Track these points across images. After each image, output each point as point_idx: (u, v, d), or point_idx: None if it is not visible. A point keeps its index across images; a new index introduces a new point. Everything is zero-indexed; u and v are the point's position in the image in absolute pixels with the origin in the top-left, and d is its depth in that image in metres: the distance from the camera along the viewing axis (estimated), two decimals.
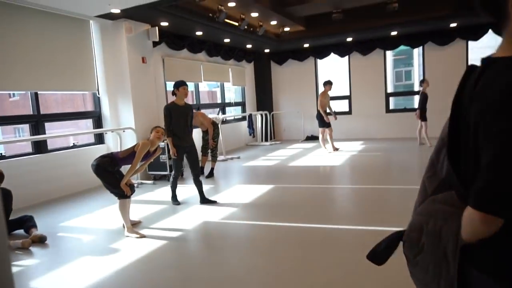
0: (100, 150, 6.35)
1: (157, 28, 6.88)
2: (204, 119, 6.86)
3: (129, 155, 3.87)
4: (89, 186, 6.09)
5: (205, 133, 6.92)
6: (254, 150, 9.99)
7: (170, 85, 7.81)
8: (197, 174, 4.84)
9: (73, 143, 6.30)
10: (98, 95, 6.64)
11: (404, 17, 8.69)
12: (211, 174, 6.69)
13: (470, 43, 9.74)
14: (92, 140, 6.67)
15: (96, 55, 6.57)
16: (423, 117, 8.54)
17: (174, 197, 4.96)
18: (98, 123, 6.72)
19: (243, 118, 11.00)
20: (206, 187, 5.85)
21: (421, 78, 10.42)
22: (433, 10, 8.52)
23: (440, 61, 10.02)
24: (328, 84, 8.69)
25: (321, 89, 11.60)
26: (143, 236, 3.74)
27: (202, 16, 6.91)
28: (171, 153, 4.71)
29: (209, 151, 6.88)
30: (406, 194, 4.90)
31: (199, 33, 8.08)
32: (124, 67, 6.48)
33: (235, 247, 3.41)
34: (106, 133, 6.61)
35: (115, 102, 6.63)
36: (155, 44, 7.30)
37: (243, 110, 11.23)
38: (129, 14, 6.18)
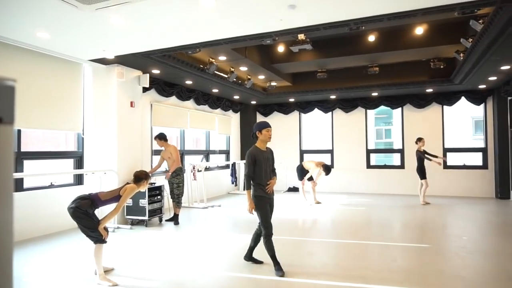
0: (78, 192, 6.20)
1: (148, 75, 7.08)
2: (174, 152, 6.60)
3: (112, 198, 3.79)
4: (64, 228, 5.86)
5: (172, 176, 6.61)
6: (236, 198, 9.91)
7: (156, 130, 7.89)
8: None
9: (51, 183, 6.15)
10: (82, 135, 6.62)
11: (384, 80, 9.26)
12: (177, 221, 6.51)
13: (445, 107, 10.32)
14: (71, 180, 6.54)
15: (86, 97, 6.65)
16: (421, 174, 8.62)
17: (276, 263, 3.92)
18: (79, 163, 6.63)
19: (227, 166, 11.03)
20: (179, 233, 5.71)
21: (401, 136, 10.85)
22: (411, 76, 9.13)
23: (418, 122, 10.52)
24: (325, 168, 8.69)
25: (304, 142, 11.93)
26: (115, 285, 3.56)
27: (193, 67, 7.19)
28: (248, 208, 3.99)
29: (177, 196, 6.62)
30: (386, 251, 4.89)
31: (188, 82, 8.34)
32: (112, 109, 6.56)
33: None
34: (86, 174, 6.50)
35: (99, 143, 6.61)
36: (145, 89, 7.47)
37: (227, 159, 11.30)
38: (122, 60, 6.38)
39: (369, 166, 11.06)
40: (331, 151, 11.45)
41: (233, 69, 8.03)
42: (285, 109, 11.80)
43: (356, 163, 11.09)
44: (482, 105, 9.99)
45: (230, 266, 4.23)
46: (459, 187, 9.88)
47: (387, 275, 3.89)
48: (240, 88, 9.20)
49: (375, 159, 11.44)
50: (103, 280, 3.61)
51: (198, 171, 8.59)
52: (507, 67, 7.08)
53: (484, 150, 10.07)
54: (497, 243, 5.47)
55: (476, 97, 9.80)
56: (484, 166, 10.00)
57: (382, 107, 11.59)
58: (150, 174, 6.36)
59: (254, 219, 7.27)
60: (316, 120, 12.25)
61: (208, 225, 6.72)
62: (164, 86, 8.12)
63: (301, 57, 8.29)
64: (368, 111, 11.31)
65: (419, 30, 6.95)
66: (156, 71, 7.23)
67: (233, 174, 10.61)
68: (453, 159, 10.34)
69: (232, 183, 10.69)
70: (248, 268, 4.17)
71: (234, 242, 5.28)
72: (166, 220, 6.68)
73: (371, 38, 7.41)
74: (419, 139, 8.72)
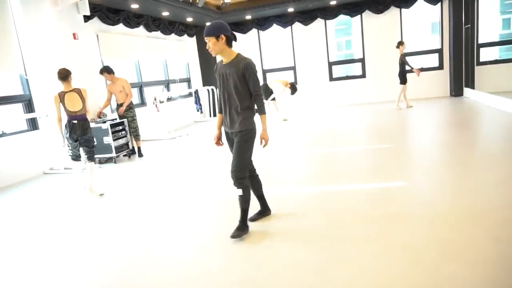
0: (34, 138, 5.89)
1: (86, 0, 6.35)
2: (127, 85, 6.18)
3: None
4: (25, 178, 5.64)
5: (125, 110, 6.27)
6: (203, 126, 9.84)
7: (107, 63, 7.35)
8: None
9: (2, 131, 5.74)
10: (26, 76, 6.06)
11: None
12: (140, 153, 6.45)
13: (403, 10, 10.19)
14: (25, 127, 6.13)
15: (20, 33, 5.93)
16: (404, 80, 8.55)
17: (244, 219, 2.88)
18: (29, 107, 6.16)
19: (190, 95, 10.73)
20: (148, 167, 5.69)
21: (361, 45, 10.79)
22: None
23: (377, 29, 10.41)
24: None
25: (266, 61, 11.65)
26: (102, 194, 4.32)
27: None
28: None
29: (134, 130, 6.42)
30: (354, 155, 5.13)
31: (134, 6, 7.60)
32: (53, 44, 5.94)
33: (216, 214, 3.38)
34: (39, 118, 6.09)
35: (46, 83, 6.09)
36: (87, 18, 6.77)
37: (189, 86, 10.94)
38: None
39: (332, 78, 11.11)
40: (293, 68, 11.31)
41: None
42: (243, 28, 11.24)
43: (319, 77, 11.09)
44: (438, 5, 9.94)
45: (214, 185, 4.31)
46: (417, 89, 10.20)
47: (355, 176, 4.12)
48: (192, 8, 8.54)
49: (337, 71, 11.46)
50: (93, 193, 4.28)
51: (160, 102, 8.30)
52: None
53: (440, 51, 10.28)
54: (450, 135, 5.87)
55: None
56: (440, 67, 10.31)
57: (342, 17, 11.29)
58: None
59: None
60: (275, 37, 11.84)
61: (179, 154, 6.70)
62: (108, 13, 7.38)
63: None
64: (328, 22, 10.99)
65: None
66: None
67: (197, 101, 10.38)
68: (411, 62, 10.51)
69: (198, 110, 10.50)
70: (229, 185, 4.26)
71: (209, 166, 5.34)
72: (125, 155, 6.49)
73: None
74: (400, 43, 8.53)
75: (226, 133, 2.92)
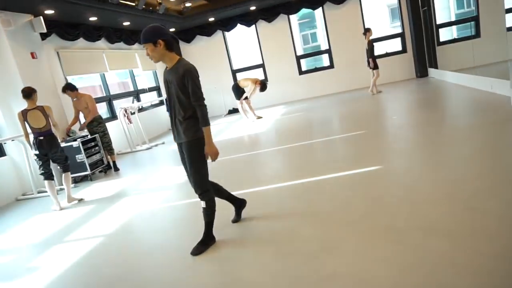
0: (2, 164, 5.65)
1: (41, 17, 6.13)
2: (90, 102, 6.02)
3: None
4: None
5: (91, 123, 6.09)
6: None
7: (71, 80, 7.15)
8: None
9: None
10: None
11: None
12: (116, 167, 6.34)
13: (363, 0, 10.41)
14: None
15: None
16: (375, 65, 8.66)
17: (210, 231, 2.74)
18: None
19: (161, 103, 10.58)
20: (129, 180, 5.57)
21: (326, 36, 10.95)
22: None
23: (339, 19, 10.58)
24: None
25: (234, 61, 11.63)
26: (82, 199, 4.76)
27: None
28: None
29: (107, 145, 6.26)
30: (329, 144, 5.20)
31: (93, 18, 7.41)
32: (10, 65, 5.71)
33: (176, 228, 3.33)
34: (5, 143, 5.85)
35: (9, 107, 5.85)
36: (44, 36, 6.54)
37: (159, 95, 10.79)
38: (3, 4, 5.41)
39: (301, 72, 11.22)
40: (262, 65, 11.34)
41: None
42: (207, 30, 11.18)
43: (288, 71, 11.17)
44: None
45: (185, 195, 4.26)
46: (384, 74, 10.42)
47: (333, 165, 4.17)
48: (153, 16, 8.41)
49: (305, 64, 11.58)
50: (71, 201, 4.62)
51: (132, 113, 8.14)
52: None
53: (401, 35, 10.57)
54: (419, 115, 6.06)
55: None
56: (403, 50, 10.60)
57: (304, 11, 11.42)
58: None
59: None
60: (241, 36, 11.84)
61: (156, 162, 6.59)
62: (66, 29, 7.16)
63: None
64: (291, 17, 11.09)
65: None
66: (50, 11, 6.27)
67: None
68: (375, 49, 10.76)
69: None
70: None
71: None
72: (101, 171, 6.32)
73: None
74: (367, 30, 8.65)
75: (177, 145, 2.70)
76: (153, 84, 10.82)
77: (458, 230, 2.25)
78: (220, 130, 8.59)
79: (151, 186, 4.95)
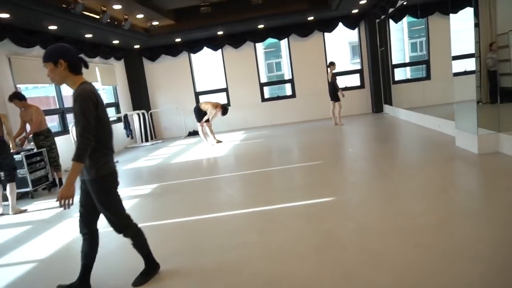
0: None
1: None
2: (36, 114, 5.60)
3: None
4: None
5: (38, 136, 5.72)
6: (135, 152, 9.41)
7: (23, 89, 6.74)
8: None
9: None
10: None
11: (268, 11, 9.24)
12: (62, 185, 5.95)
13: (326, 34, 10.89)
14: None
15: None
16: (337, 97, 8.97)
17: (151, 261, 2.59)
18: None
19: (119, 120, 10.23)
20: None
21: (290, 68, 11.26)
22: (293, 4, 9.26)
23: (304, 51, 10.97)
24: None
25: (198, 83, 11.60)
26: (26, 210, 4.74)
27: (53, 7, 6.09)
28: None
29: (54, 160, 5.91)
30: (286, 173, 5.22)
31: (53, 27, 7.13)
32: None
33: (119, 255, 3.12)
34: None
35: None
36: None
37: (117, 111, 10.45)
38: None
39: (263, 99, 11.39)
40: (225, 89, 11.40)
41: (104, 8, 7.07)
42: (173, 50, 11.12)
43: (251, 98, 11.30)
44: (356, 30, 10.80)
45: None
46: (342, 107, 10.83)
47: (288, 194, 4.17)
48: (117, 31, 8.25)
49: (268, 92, 11.79)
50: (17, 211, 4.66)
51: None
52: None
53: (360, 71, 11.12)
54: (374, 148, 6.29)
55: (351, 22, 10.51)
56: (362, 86, 11.12)
57: (270, 40, 11.73)
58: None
59: (156, 169, 7.05)
60: (207, 59, 11.89)
61: None
62: (21, 35, 6.80)
63: None
64: (257, 45, 11.35)
65: None
66: (5, 15, 5.95)
67: (127, 126, 9.92)
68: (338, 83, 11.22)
69: (128, 136, 10.03)
70: (152, 216, 4.03)
71: (137, 193, 5.05)
72: (44, 188, 5.92)
73: None
74: (331, 64, 8.98)
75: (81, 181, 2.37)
76: (112, 100, 10.48)
77: (403, 266, 2.27)
78: (178, 152, 8.40)
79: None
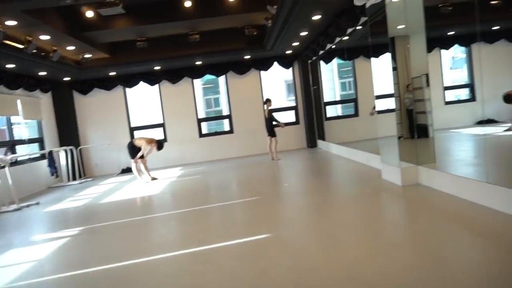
0: None
1: None
2: None
3: None
4: None
5: None
6: (60, 191, 8.64)
7: None
8: None
9: None
10: None
11: (206, 48, 9.42)
12: None
13: (262, 72, 11.32)
14: None
15: None
16: (272, 133, 9.15)
17: None
18: None
19: (42, 157, 9.41)
20: None
21: (228, 104, 11.42)
22: (230, 43, 9.54)
23: (241, 88, 11.25)
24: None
25: (133, 118, 11.22)
26: None
27: None
28: None
29: None
30: (223, 210, 5.11)
31: None
32: None
33: None
34: None
35: None
36: None
37: (41, 147, 9.63)
38: None
39: (201, 135, 11.32)
40: (162, 125, 11.16)
41: (30, 38, 6.65)
42: (107, 84, 10.72)
43: (188, 133, 11.17)
44: (290, 69, 11.39)
45: (54, 268, 3.62)
46: (279, 142, 11.15)
47: (224, 232, 4.05)
48: (45, 62, 7.77)
49: (206, 127, 11.77)
50: None
51: (1, 167, 7.00)
52: (305, 33, 8.15)
53: (295, 108, 11.62)
54: (309, 183, 6.46)
55: (286, 62, 11.08)
56: (297, 122, 11.59)
57: (208, 77, 11.88)
58: None
59: (82, 210, 6.51)
60: (143, 94, 11.63)
61: (22, 228, 5.61)
62: None
63: (117, 24, 7.55)
64: (195, 81, 11.40)
65: None
66: None
67: (52, 164, 9.14)
68: (278, 117, 11.57)
69: (52, 174, 9.22)
70: (74, 264, 3.65)
71: (57, 240, 4.56)
72: None
73: (188, 3, 7.29)
74: (268, 100, 9.24)
75: None
76: (36, 135, 9.67)
77: None
78: (110, 191, 7.88)
79: (7, 257, 4.12)
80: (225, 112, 11.69)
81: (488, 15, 7.54)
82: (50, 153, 9.21)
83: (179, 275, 3.03)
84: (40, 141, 9.70)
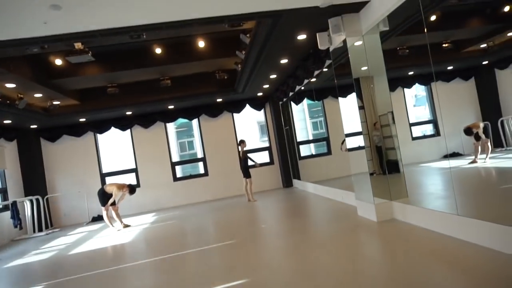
0: None
1: None
2: None
3: None
4: None
5: None
6: (24, 244, 8.10)
7: None
8: None
9: None
10: None
11: (178, 93, 9.52)
12: None
13: (235, 114, 11.48)
14: None
15: None
16: (247, 174, 9.07)
17: None
18: None
19: (5, 208, 8.89)
20: None
21: (201, 145, 11.40)
22: (201, 87, 9.70)
23: (214, 130, 11.31)
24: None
25: (105, 164, 10.93)
26: None
27: None
28: None
29: None
30: (198, 256, 4.91)
31: None
32: None
33: None
34: None
35: None
36: None
37: (4, 198, 9.12)
38: None
39: (175, 179, 11.12)
40: (135, 170, 10.92)
41: None
42: (77, 130, 10.51)
43: (162, 178, 10.96)
44: (262, 110, 11.63)
45: None
46: (254, 183, 11.10)
47: (199, 280, 3.88)
48: (10, 110, 7.56)
49: (181, 171, 11.61)
50: None
51: None
52: (274, 76, 8.45)
53: (269, 149, 11.73)
54: (286, 223, 6.39)
55: (257, 104, 11.33)
56: (271, 162, 11.65)
57: (181, 120, 11.91)
58: None
59: (47, 263, 6.09)
60: (115, 139, 11.43)
61: None
62: None
63: (87, 71, 7.54)
64: (168, 124, 11.38)
65: (201, 43, 7.44)
66: None
67: (15, 215, 8.63)
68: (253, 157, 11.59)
69: (15, 226, 8.68)
70: None
71: None
72: None
73: (158, 50, 7.44)
74: (242, 141, 9.26)
75: None
76: None
77: None
78: (79, 241, 7.47)
79: None
80: (200, 155, 11.62)
81: (441, 56, 8.17)
82: (14, 203, 8.72)
83: None
84: (2, 191, 9.21)
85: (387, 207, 5.05)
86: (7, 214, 8.71)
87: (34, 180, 10.08)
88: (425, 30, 4.09)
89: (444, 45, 7.79)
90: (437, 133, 10.18)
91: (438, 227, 4.06)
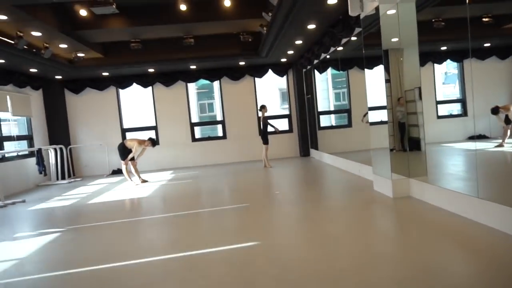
0: None
1: None
2: None
3: None
4: None
5: None
6: (47, 190, 8.49)
7: None
8: None
9: None
10: None
11: (200, 53, 9.39)
12: None
13: (257, 79, 11.32)
14: None
15: None
16: (265, 140, 9.08)
17: None
18: None
19: (31, 154, 9.26)
20: None
21: (221, 108, 11.38)
22: (225, 49, 9.53)
23: (235, 93, 11.23)
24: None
25: (126, 119, 11.11)
26: None
27: None
28: None
29: None
30: (213, 216, 5.04)
31: None
32: None
33: None
34: None
35: None
36: None
37: (30, 145, 9.47)
38: None
39: (194, 139, 11.24)
40: (155, 127, 11.07)
41: (21, 34, 6.56)
42: (100, 84, 10.64)
43: (181, 137, 11.10)
44: (285, 77, 11.42)
45: (36, 268, 3.52)
46: (272, 150, 11.10)
47: (212, 238, 3.99)
48: (36, 59, 7.67)
49: (200, 132, 11.71)
50: None
51: None
52: (300, 41, 8.18)
53: (289, 117, 11.62)
54: (300, 191, 6.42)
55: (280, 70, 11.11)
56: (290, 130, 11.58)
57: (202, 81, 11.85)
58: None
59: (68, 210, 6.37)
60: (136, 96, 11.54)
61: (7, 226, 5.47)
62: None
63: (111, 24, 7.49)
64: (189, 85, 11.36)
65: (227, 2, 7.21)
66: None
67: (40, 162, 8.99)
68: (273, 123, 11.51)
69: (40, 173, 9.07)
70: (57, 265, 3.55)
71: (39, 240, 4.45)
72: None
73: (183, 7, 7.26)
74: (263, 107, 9.17)
75: None
76: (24, 133, 9.53)
77: None
78: (98, 191, 7.76)
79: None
80: (219, 117, 11.64)
81: (479, 31, 7.67)
82: (39, 151, 9.06)
83: (164, 280, 2.96)
84: (29, 138, 9.55)
85: (404, 183, 4.98)
86: (33, 160, 9.08)
87: (58, 129, 10.38)
88: (467, 1, 3.81)
89: (484, 19, 7.30)
90: (464, 113, 9.79)
91: (455, 208, 3.99)
